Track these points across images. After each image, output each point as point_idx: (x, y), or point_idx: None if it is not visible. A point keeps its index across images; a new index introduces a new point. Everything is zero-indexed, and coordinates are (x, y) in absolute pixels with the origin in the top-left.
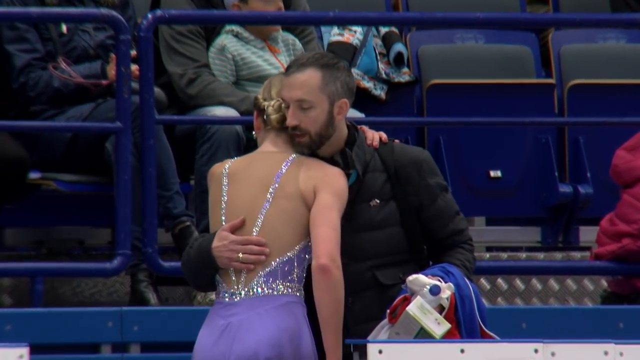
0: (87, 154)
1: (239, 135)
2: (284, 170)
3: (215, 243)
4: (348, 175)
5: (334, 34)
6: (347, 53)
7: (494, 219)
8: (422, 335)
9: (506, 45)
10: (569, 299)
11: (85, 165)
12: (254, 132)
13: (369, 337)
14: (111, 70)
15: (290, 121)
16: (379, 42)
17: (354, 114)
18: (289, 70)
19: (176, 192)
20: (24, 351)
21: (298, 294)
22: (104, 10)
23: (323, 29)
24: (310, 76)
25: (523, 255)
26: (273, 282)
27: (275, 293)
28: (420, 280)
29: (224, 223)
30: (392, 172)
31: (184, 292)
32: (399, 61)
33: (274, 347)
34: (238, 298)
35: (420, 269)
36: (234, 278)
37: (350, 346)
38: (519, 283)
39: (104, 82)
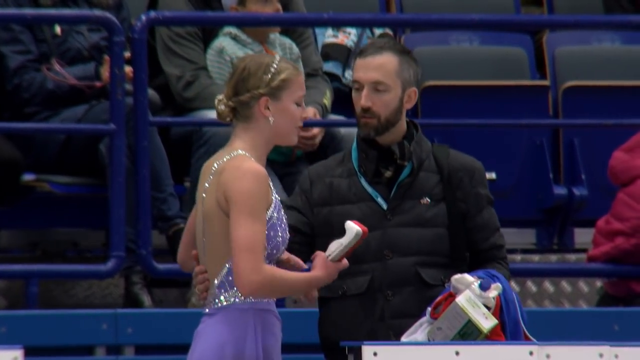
0: (81, 155)
1: None
2: (207, 185)
3: None
4: (402, 167)
5: (328, 36)
6: (341, 55)
7: None
8: (468, 329)
9: (501, 47)
10: (564, 301)
11: (79, 167)
12: None
13: (406, 334)
14: (105, 72)
15: (365, 102)
16: None
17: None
18: (365, 52)
19: (170, 193)
20: (18, 353)
21: (246, 299)
22: (97, 12)
23: (317, 30)
24: (389, 60)
25: (518, 257)
26: (225, 292)
27: (229, 302)
28: (467, 279)
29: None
30: (445, 175)
31: (178, 294)
32: None
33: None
34: (206, 309)
35: None
36: (210, 290)
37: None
38: (514, 285)
39: (97, 83)
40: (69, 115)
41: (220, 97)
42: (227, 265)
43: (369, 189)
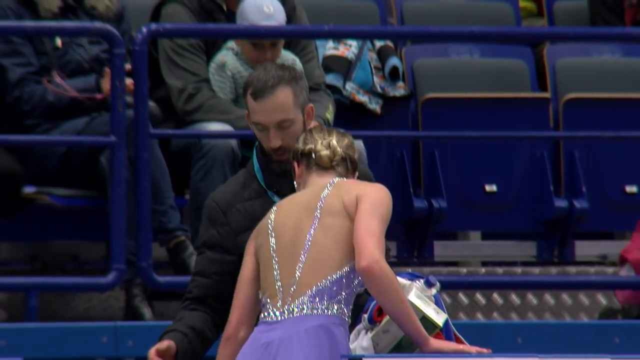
0: (81, 168)
1: (234, 151)
2: (327, 191)
3: None
4: None
5: (329, 48)
6: (342, 67)
7: (490, 233)
8: (421, 325)
9: (501, 59)
10: (565, 313)
11: (79, 180)
12: (294, 182)
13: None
14: (106, 84)
15: (275, 143)
16: (374, 56)
17: None
18: (258, 94)
19: (171, 206)
20: None
21: (342, 315)
22: (98, 24)
23: (318, 42)
24: (284, 95)
25: (518, 270)
26: (319, 301)
27: (318, 313)
28: (400, 281)
29: (273, 247)
30: None
31: (179, 307)
32: (394, 75)
33: None
34: (281, 317)
35: None
36: (280, 296)
37: None
38: (514, 298)
39: (98, 96)
40: (69, 128)
41: (330, 139)
42: (336, 275)
43: None
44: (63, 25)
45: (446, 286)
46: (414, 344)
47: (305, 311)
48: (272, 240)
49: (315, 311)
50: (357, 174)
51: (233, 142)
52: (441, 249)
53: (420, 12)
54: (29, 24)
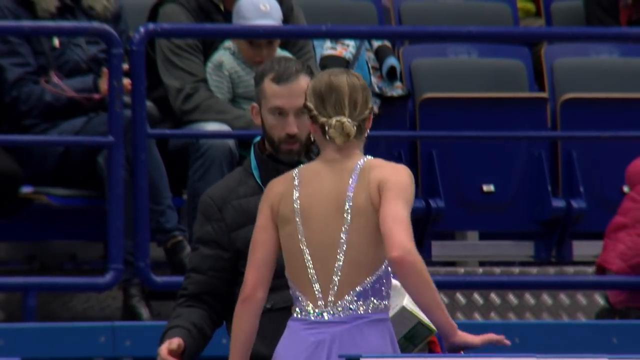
0: (79, 168)
1: (231, 151)
2: (353, 182)
3: None
4: None
5: (326, 48)
6: (340, 67)
7: (487, 233)
8: (416, 331)
9: (499, 59)
10: (562, 313)
11: (77, 180)
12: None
13: None
14: (103, 84)
15: (293, 129)
16: (372, 55)
17: None
18: (283, 78)
19: (168, 206)
20: None
21: (386, 310)
22: (96, 24)
23: (316, 42)
24: (306, 82)
25: (516, 270)
26: (364, 300)
27: (366, 311)
28: (395, 284)
29: (302, 239)
30: None
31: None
32: (391, 75)
33: None
34: (327, 317)
35: None
36: (319, 295)
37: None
38: (512, 298)
39: (96, 96)
40: (67, 128)
41: (342, 118)
42: (377, 273)
43: None
44: (61, 25)
45: (444, 286)
46: (426, 338)
47: (352, 310)
48: (300, 227)
49: (363, 310)
50: (372, 116)
51: (231, 142)
52: (439, 248)
53: (417, 11)
54: (27, 23)
